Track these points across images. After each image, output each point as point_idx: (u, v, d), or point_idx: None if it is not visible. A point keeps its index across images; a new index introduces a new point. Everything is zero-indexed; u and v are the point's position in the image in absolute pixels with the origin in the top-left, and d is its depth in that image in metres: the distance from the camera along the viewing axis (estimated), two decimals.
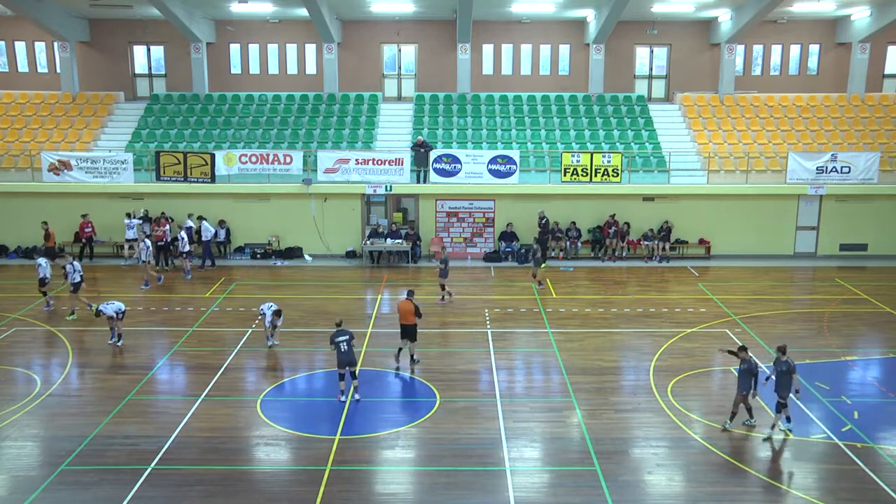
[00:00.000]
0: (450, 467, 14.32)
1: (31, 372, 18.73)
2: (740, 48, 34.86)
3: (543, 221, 29.00)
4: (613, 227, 29.58)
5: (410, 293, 19.49)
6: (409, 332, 19.02)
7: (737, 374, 15.83)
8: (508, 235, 29.96)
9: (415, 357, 19.19)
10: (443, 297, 24.40)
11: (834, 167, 29.27)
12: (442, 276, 24.38)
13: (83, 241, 29.30)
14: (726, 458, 14.61)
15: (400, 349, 19.23)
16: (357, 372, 17.34)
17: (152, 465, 14.31)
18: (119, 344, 20.33)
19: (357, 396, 17.04)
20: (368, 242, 29.30)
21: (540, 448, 15.15)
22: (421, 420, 16.21)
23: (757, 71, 35.82)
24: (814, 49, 35.54)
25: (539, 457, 14.84)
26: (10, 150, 31.14)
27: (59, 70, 34.87)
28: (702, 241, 30.39)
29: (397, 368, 19.02)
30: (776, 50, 35.61)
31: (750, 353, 15.92)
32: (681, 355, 19.78)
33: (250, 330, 21.51)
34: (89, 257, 29.39)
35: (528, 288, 26.05)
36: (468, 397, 17.36)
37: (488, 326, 21.91)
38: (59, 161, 29.29)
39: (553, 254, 29.76)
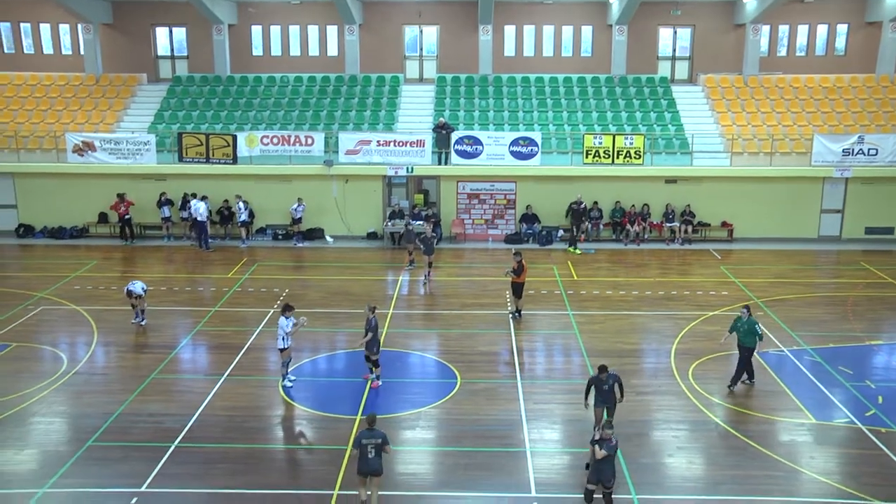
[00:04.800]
0: (470, 448, 14.39)
1: (58, 350, 19.00)
2: (765, 28, 34.33)
3: (582, 206, 28.76)
4: (644, 216, 29.56)
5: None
6: (514, 290, 21.10)
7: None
8: (530, 217, 29.87)
9: (512, 312, 21.31)
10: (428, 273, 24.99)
11: (861, 149, 28.84)
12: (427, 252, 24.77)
13: (119, 220, 29.57)
14: (747, 442, 14.55)
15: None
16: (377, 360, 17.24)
17: (176, 442, 14.50)
18: (143, 323, 20.54)
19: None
20: (389, 224, 29.32)
21: (560, 430, 15.18)
22: (441, 401, 16.27)
23: (782, 52, 35.28)
24: (842, 29, 34.90)
25: (559, 438, 14.87)
26: (36, 131, 31.40)
27: (82, 52, 35.02)
28: (724, 224, 30.14)
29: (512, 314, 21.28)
30: (802, 30, 35.02)
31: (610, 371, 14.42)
32: (702, 338, 19.67)
33: (272, 311, 21.64)
34: (130, 237, 29.67)
35: (549, 270, 26.00)
36: (489, 379, 17.40)
37: (509, 308, 21.89)
38: (83, 142, 29.54)
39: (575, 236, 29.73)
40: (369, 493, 12.34)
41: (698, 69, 35.12)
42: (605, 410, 14.33)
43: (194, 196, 29.23)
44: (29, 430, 15.02)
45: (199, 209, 28.27)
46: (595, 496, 12.46)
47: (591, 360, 18.33)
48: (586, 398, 14.52)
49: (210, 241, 28.77)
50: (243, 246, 29.08)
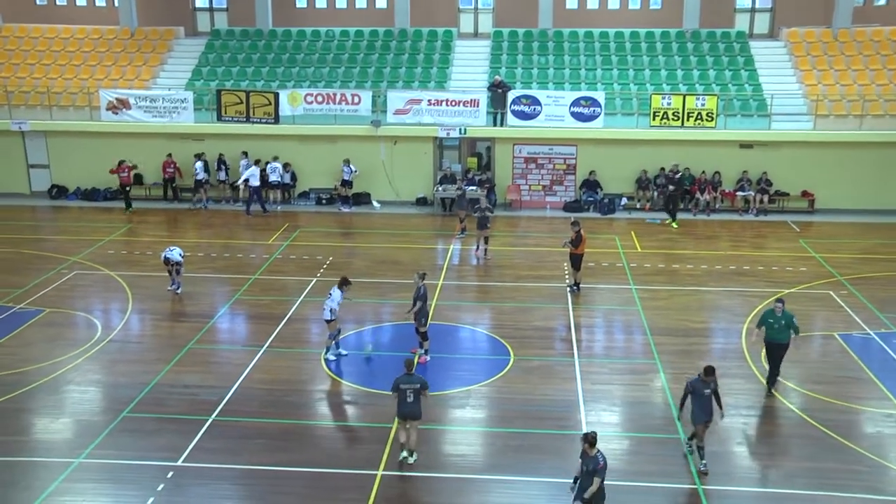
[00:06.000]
0: (522, 429, 14.35)
1: (92, 316, 19.43)
2: None
3: (678, 176, 27.90)
4: (716, 184, 28.98)
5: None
6: (572, 261, 21.06)
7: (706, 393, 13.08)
8: (591, 184, 29.52)
9: (570, 285, 21.20)
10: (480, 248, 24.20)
11: None
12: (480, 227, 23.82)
13: (164, 180, 30.25)
14: (826, 432, 14.23)
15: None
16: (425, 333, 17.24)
17: (213, 416, 14.73)
18: (178, 291, 20.85)
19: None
20: (440, 189, 29.25)
21: (620, 412, 15.07)
22: (493, 379, 16.25)
23: (881, 0, 33.90)
24: None
25: (619, 422, 14.75)
26: (69, 87, 31.88)
27: (117, 4, 35.30)
28: (805, 194, 29.40)
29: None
30: None
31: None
32: None
33: (315, 279, 21.80)
34: (173, 198, 30.43)
35: (611, 241, 25.70)
36: (544, 356, 17.31)
37: (567, 281, 21.71)
38: (117, 99, 29.92)
39: (639, 205, 29.31)
40: (410, 451, 12.94)
41: (780, 22, 34.12)
42: (704, 425, 12.99)
43: (198, 157, 29.52)
44: (63, 399, 15.44)
45: (250, 173, 28.40)
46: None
47: (655, 338, 18.10)
48: (681, 408, 13.47)
49: (252, 207, 29.00)
50: (270, 208, 29.22)
